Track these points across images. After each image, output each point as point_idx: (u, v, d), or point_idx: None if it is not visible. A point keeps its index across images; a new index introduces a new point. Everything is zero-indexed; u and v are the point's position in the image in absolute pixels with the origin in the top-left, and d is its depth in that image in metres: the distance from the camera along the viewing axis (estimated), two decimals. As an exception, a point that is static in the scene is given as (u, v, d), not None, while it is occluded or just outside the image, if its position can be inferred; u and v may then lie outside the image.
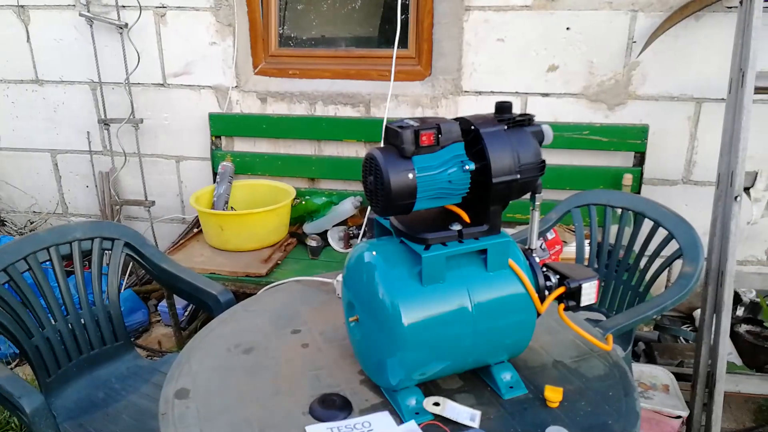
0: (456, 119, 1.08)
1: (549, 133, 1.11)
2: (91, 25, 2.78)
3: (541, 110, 2.54)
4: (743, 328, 2.45)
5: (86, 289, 1.77)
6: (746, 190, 1.90)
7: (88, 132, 3.03)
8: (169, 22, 2.78)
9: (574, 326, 1.16)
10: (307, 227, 2.72)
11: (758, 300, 2.42)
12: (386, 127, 1.06)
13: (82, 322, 1.75)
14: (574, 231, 2.13)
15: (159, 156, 3.02)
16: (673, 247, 1.83)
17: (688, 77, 2.43)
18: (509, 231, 2.25)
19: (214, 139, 2.89)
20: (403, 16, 2.60)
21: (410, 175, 1.01)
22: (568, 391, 1.10)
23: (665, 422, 1.96)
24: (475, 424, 1.03)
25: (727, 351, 1.92)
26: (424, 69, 2.71)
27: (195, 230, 2.79)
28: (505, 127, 1.07)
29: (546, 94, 2.55)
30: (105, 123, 2.92)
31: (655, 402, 1.97)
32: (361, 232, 2.64)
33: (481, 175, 1.05)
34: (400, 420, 1.06)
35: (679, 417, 1.95)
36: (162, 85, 2.89)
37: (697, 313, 2.38)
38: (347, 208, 2.68)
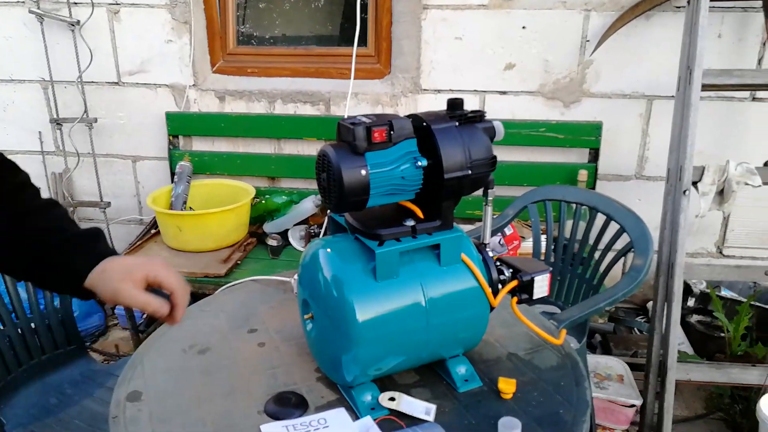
0: (408, 116, 1.09)
1: (500, 130, 1.13)
2: (41, 22, 2.70)
3: (499, 108, 2.58)
4: (694, 318, 2.53)
5: (36, 293, 1.72)
6: (694, 184, 1.96)
7: (39, 132, 2.94)
8: (123, 19, 2.73)
9: (526, 320, 1.18)
10: (268, 227, 2.69)
11: (708, 291, 2.50)
12: (339, 123, 1.06)
13: (33, 326, 1.71)
14: (531, 226, 2.16)
15: (114, 156, 2.96)
16: (624, 240, 1.88)
17: (640, 75, 2.49)
18: (467, 227, 2.28)
19: (171, 138, 2.84)
20: (363, 15, 2.61)
21: (363, 172, 1.01)
22: (522, 383, 1.12)
23: (620, 411, 2.01)
24: (430, 418, 1.04)
25: (678, 340, 1.98)
26: (384, 67, 2.72)
27: (153, 231, 2.74)
28: (457, 123, 1.08)
29: (503, 92, 2.58)
30: (57, 122, 2.84)
31: (610, 392, 2.02)
32: (323, 230, 2.63)
33: (433, 171, 1.06)
34: (356, 416, 1.06)
35: (633, 406, 2.00)
36: (117, 83, 2.83)
37: (651, 304, 2.45)
38: (308, 206, 2.66)
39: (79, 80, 2.78)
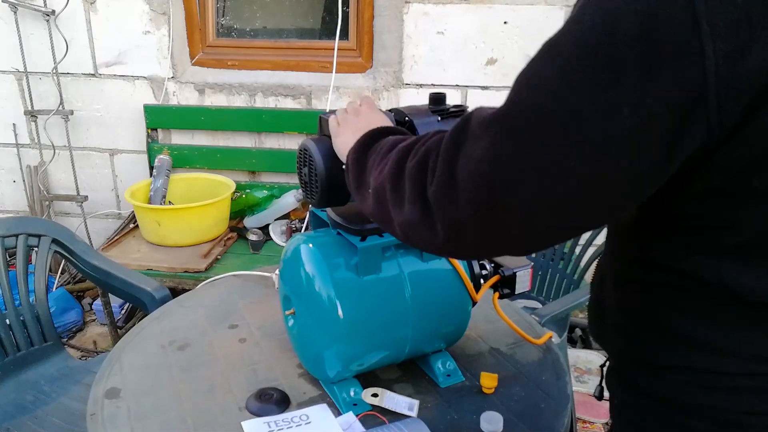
0: (390, 110, 1.08)
1: (483, 124, 1.13)
2: (15, 12, 2.64)
3: (481, 103, 2.55)
4: (672, 312, 2.56)
5: (11, 289, 1.69)
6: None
7: (14, 124, 2.88)
8: (99, 9, 2.67)
9: (508, 320, 1.18)
10: (248, 221, 2.67)
11: (686, 285, 2.53)
12: (320, 117, 1.05)
13: (7, 322, 1.67)
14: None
15: (91, 149, 2.91)
16: (604, 235, 1.90)
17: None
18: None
19: (150, 131, 2.80)
20: (345, 9, 2.59)
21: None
22: (504, 378, 1.13)
23: (600, 405, 2.03)
24: (413, 413, 1.04)
25: (656, 334, 2.01)
26: (366, 61, 2.70)
27: (131, 226, 2.71)
28: (439, 118, 1.07)
29: (485, 87, 2.58)
30: (32, 115, 2.78)
31: (590, 386, 2.04)
32: (304, 225, 2.61)
33: (415, 165, 1.05)
34: (338, 412, 1.05)
35: (612, 399, 2.02)
36: (93, 75, 2.78)
37: (630, 299, 2.48)
38: (289, 201, 2.64)
39: (54, 72, 2.72)
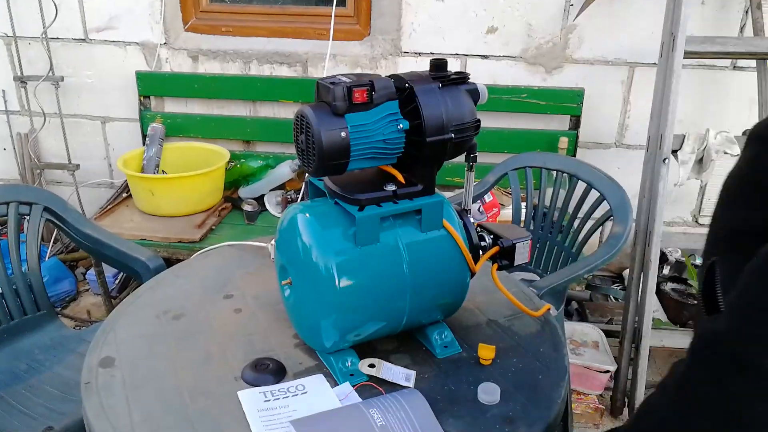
0: (390, 76, 1.05)
1: (484, 92, 1.10)
2: (2, -27, 2.57)
3: (481, 72, 2.54)
4: (669, 286, 2.57)
5: (3, 258, 1.66)
6: (674, 152, 1.96)
7: (3, 90, 2.82)
8: (89, -29, 2.60)
9: (506, 291, 1.17)
10: (243, 191, 2.64)
11: (683, 259, 2.53)
12: (318, 83, 1.02)
13: (0, 292, 1.65)
14: (511, 194, 2.15)
15: (82, 116, 2.85)
16: (604, 208, 1.88)
17: (623, 41, 2.47)
18: (448, 194, 2.26)
19: (142, 99, 2.75)
20: (342, -27, 2.52)
21: (342, 134, 0.98)
22: (501, 349, 1.12)
23: (594, 377, 2.04)
24: (410, 384, 1.03)
25: (652, 308, 2.01)
26: (363, 28, 2.65)
27: (124, 195, 2.67)
28: (440, 85, 1.04)
29: (485, 56, 2.54)
30: (22, 81, 2.73)
31: (585, 358, 2.04)
32: (300, 196, 2.59)
33: (415, 134, 1.02)
34: (335, 382, 1.04)
35: (607, 371, 2.03)
36: (84, 40, 2.71)
37: (627, 272, 2.47)
38: (285, 171, 2.61)
39: (43, 36, 2.66)
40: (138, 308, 1.27)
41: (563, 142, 2.50)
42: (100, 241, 1.73)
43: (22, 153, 2.87)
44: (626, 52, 2.48)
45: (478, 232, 1.14)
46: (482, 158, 2.64)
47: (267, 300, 1.29)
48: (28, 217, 1.71)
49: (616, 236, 1.75)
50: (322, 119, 0.97)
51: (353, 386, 1.02)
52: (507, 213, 2.29)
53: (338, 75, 1.02)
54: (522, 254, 1.16)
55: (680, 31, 1.83)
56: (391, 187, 1.05)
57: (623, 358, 2.06)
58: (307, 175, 2.58)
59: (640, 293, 2.01)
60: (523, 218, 2.11)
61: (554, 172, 2.05)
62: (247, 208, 2.51)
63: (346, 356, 1.07)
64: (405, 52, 2.59)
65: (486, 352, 1.09)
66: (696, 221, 2.70)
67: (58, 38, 2.71)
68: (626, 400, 2.07)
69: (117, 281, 2.70)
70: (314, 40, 2.66)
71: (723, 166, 1.98)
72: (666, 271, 2.61)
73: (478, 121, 1.06)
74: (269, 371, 1.06)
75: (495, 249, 1.13)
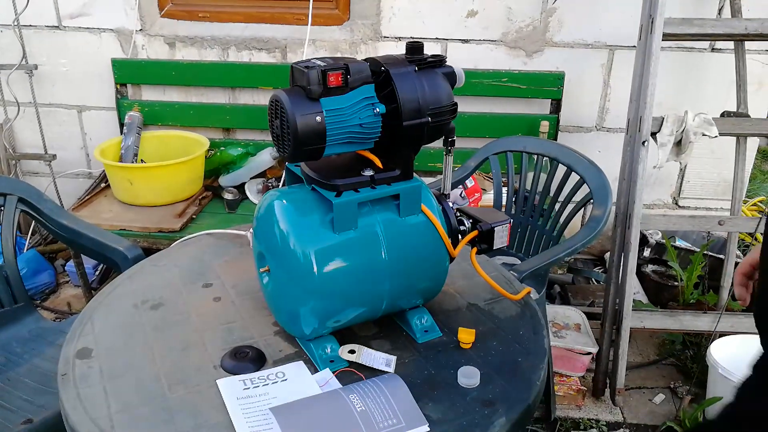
0: (366, 60, 1.04)
1: (461, 75, 1.09)
2: (-30, -41, 2.50)
3: (461, 57, 2.52)
4: (649, 268, 2.59)
5: (-23, 250, 1.63)
6: (653, 135, 1.97)
7: (-25, 79, 2.76)
8: (61, -44, 2.54)
9: (484, 274, 1.17)
10: (223, 180, 2.62)
11: (663, 241, 2.56)
12: (292, 66, 1.01)
13: (-25, 284, 1.62)
14: (492, 178, 2.15)
15: (58, 105, 2.80)
16: (585, 191, 1.89)
17: (602, 24, 2.47)
18: (429, 180, 2.25)
19: (119, 87, 2.70)
20: (319, -43, 2.49)
21: (318, 118, 0.96)
22: (481, 333, 1.12)
23: (576, 359, 2.06)
24: (390, 369, 1.03)
25: (633, 289, 2.03)
26: (342, 13, 2.62)
27: (103, 185, 2.64)
28: (416, 68, 1.03)
29: (466, 41, 2.52)
30: (-6, 69, 2.67)
31: (567, 340, 2.06)
32: (281, 183, 2.57)
33: (392, 118, 1.01)
34: (315, 369, 1.04)
35: (589, 353, 2.05)
36: (57, 27, 2.66)
37: (609, 255, 2.49)
38: (265, 159, 2.59)
39: (15, 23, 2.59)
40: (115, 298, 1.25)
41: (544, 126, 2.50)
42: (77, 232, 1.70)
43: (-4, 143, 2.81)
44: (606, 35, 2.48)
45: (457, 217, 1.14)
46: (463, 143, 2.66)
47: (246, 288, 1.28)
48: (2, 209, 1.68)
49: (596, 219, 1.76)
50: (297, 104, 0.96)
51: (333, 372, 1.02)
52: (489, 198, 2.30)
53: (313, 59, 1.01)
54: (501, 238, 1.16)
55: (659, 13, 1.84)
56: (368, 172, 1.04)
57: (604, 340, 2.08)
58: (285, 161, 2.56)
59: (620, 275, 2.02)
60: (504, 202, 2.11)
61: (535, 156, 2.05)
62: (227, 196, 2.49)
63: (325, 343, 1.06)
64: (385, 37, 2.57)
65: (466, 336, 1.09)
66: (676, 203, 2.72)
67: (30, 25, 2.65)
68: (608, 381, 2.10)
69: (97, 272, 2.67)
70: (293, 26, 2.62)
71: (701, 147, 2.00)
72: (646, 253, 2.63)
73: (455, 104, 1.06)
74: (249, 359, 1.05)
75: (474, 233, 1.13)
